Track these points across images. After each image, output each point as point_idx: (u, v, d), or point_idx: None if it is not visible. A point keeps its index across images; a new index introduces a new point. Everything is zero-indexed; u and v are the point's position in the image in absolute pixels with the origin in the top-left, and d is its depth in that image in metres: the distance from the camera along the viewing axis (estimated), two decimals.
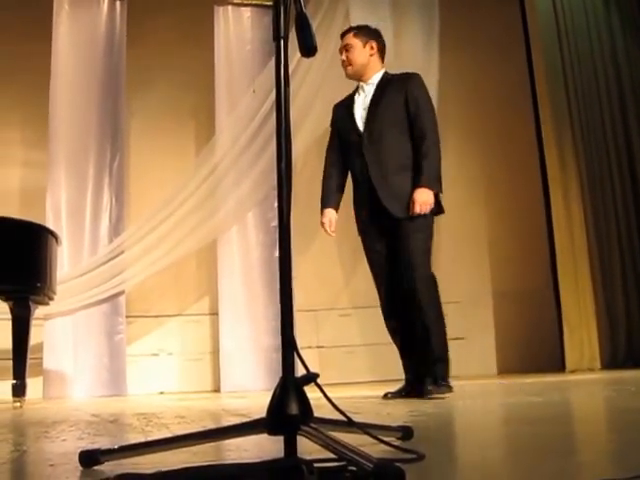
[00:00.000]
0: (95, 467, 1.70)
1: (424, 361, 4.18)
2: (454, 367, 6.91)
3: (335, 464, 1.47)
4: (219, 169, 6.32)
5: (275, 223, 6.38)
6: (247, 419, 1.73)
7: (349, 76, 4.49)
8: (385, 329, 4.44)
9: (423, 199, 4.13)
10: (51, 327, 6.07)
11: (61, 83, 6.54)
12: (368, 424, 1.86)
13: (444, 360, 4.20)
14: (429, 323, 4.13)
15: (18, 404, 4.60)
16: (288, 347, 1.63)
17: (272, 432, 1.57)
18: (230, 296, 6.34)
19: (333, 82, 6.15)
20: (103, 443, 2.11)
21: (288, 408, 1.54)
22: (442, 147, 4.29)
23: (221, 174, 6.37)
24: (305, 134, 6.39)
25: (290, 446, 1.54)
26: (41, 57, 6.54)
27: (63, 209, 6.25)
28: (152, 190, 6.64)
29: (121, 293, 6.25)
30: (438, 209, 4.27)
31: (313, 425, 1.55)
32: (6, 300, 4.66)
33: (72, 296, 6.01)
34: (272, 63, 6.49)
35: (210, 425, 2.99)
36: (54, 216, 6.18)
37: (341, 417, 1.65)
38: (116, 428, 3.00)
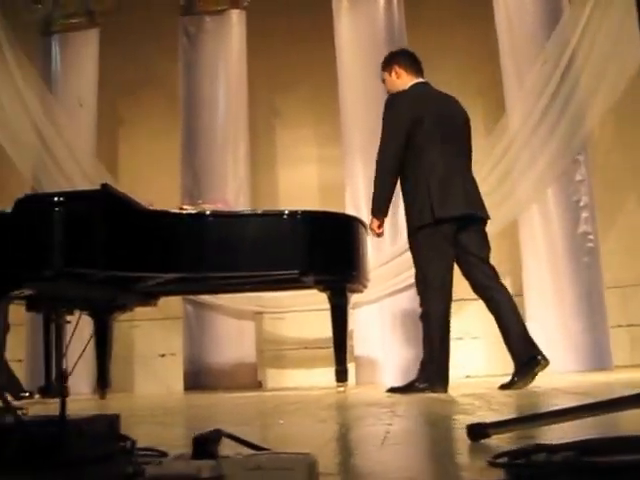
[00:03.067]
0: (482, 440, 1.68)
1: None
2: None
3: None
4: (513, 148, 6.19)
5: (576, 198, 6.14)
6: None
7: None
8: None
9: None
10: (360, 315, 6.25)
11: (347, 78, 6.73)
12: None
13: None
14: None
15: (342, 389, 4.76)
16: None
17: None
18: (535, 276, 6.15)
19: (624, 46, 5.85)
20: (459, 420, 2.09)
21: None
22: None
23: (515, 153, 6.23)
24: (599, 102, 6.12)
25: None
26: (326, 55, 6.77)
27: (362, 201, 6.39)
28: None
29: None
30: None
31: None
32: (324, 290, 4.85)
33: (377, 285, 6.12)
34: (559, 30, 6.27)
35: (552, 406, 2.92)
36: (354, 208, 6.32)
37: None
38: (459, 408, 3.00)
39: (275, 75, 7.30)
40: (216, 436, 1.06)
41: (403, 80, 4.65)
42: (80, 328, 4.77)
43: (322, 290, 4.88)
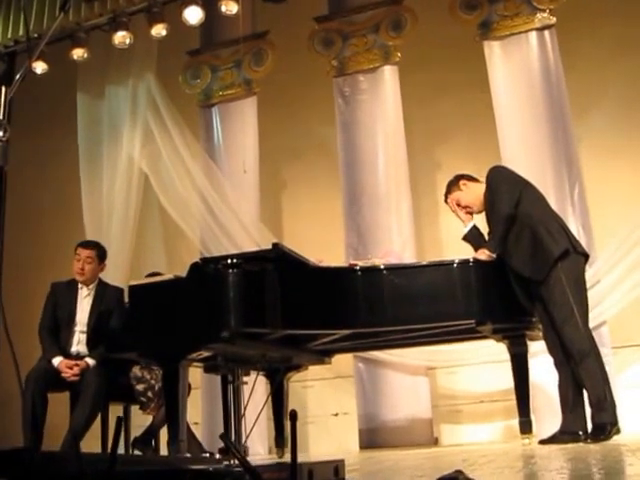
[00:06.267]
0: None
1: None
2: None
3: None
4: None
5: None
6: None
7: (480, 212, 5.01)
8: None
9: None
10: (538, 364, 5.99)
11: (506, 124, 6.64)
12: None
13: None
14: None
15: (527, 441, 4.56)
16: None
17: None
18: None
19: None
20: None
21: None
22: None
23: None
24: None
25: None
26: (482, 102, 6.75)
27: None
28: (614, 216, 6.37)
29: (603, 323, 5.99)
30: None
31: None
32: (502, 339, 4.67)
33: None
34: None
35: None
36: None
37: None
38: None
39: (432, 126, 7.28)
40: (459, 478, 0.99)
41: (473, 186, 5.06)
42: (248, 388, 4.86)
43: (500, 340, 4.71)
